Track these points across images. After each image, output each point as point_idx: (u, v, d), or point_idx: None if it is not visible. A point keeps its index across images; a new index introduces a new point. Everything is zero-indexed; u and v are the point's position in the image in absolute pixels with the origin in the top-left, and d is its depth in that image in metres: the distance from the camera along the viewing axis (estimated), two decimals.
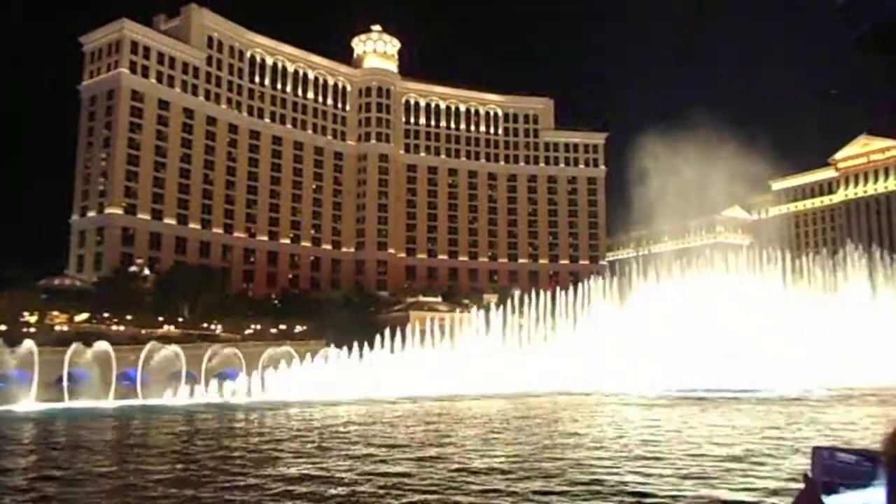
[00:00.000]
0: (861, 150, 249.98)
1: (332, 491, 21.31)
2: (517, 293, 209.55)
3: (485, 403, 67.08)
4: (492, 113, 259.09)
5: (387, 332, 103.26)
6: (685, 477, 22.85)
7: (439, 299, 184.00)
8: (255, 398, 74.77)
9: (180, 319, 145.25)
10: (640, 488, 21.16)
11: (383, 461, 27.42)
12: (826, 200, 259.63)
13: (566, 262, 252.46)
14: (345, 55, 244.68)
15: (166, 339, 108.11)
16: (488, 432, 39.03)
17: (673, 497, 19.88)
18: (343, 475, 24.12)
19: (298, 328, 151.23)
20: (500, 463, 26.57)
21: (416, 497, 20.32)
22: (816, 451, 7.03)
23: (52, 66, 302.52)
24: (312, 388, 76.95)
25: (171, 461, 28.81)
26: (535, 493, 20.77)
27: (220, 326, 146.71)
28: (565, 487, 21.55)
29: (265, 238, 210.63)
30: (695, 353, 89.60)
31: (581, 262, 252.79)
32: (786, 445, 30.68)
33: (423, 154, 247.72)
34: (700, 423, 42.09)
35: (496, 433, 38.66)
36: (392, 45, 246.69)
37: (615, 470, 24.60)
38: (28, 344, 69.10)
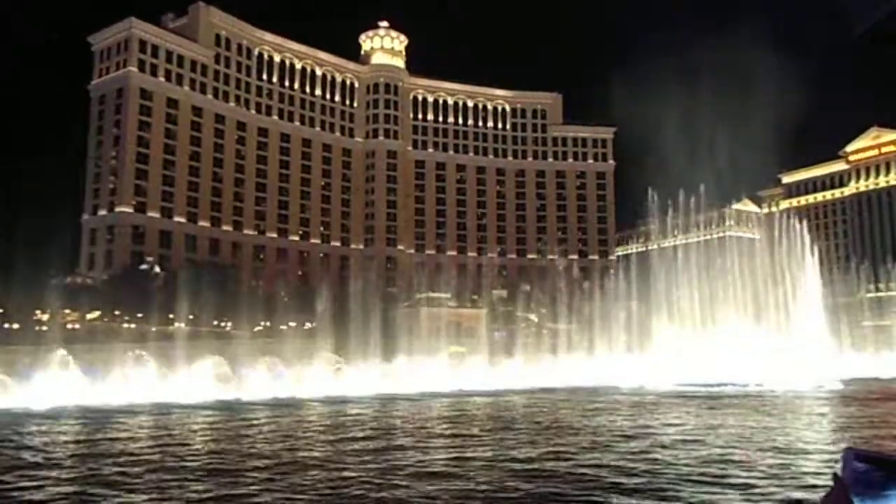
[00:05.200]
0: (872, 142, 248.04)
1: None
2: (527, 289, 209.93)
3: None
4: (499, 108, 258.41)
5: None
6: None
7: (448, 295, 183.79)
8: None
9: (191, 317, 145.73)
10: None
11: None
12: (837, 193, 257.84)
13: (575, 257, 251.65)
14: (352, 52, 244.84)
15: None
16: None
17: None
18: None
19: (308, 325, 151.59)
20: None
21: None
22: (847, 453, 6.90)
23: (63, 66, 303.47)
24: None
25: None
26: None
27: (230, 324, 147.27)
28: None
29: (274, 235, 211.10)
30: (701, 348, 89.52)
31: (590, 257, 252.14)
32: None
33: (431, 150, 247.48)
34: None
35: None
36: (399, 41, 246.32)
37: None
38: None
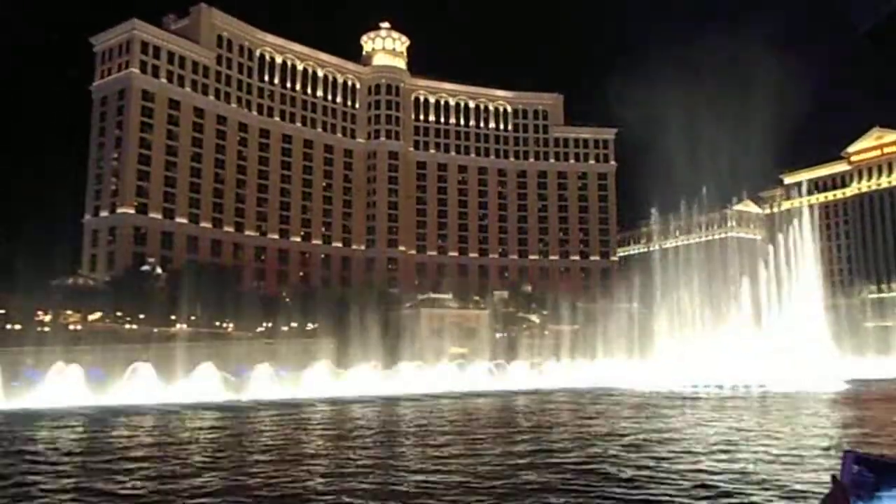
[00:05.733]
0: (874, 142, 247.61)
1: None
2: (528, 290, 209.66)
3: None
4: (501, 109, 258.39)
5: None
6: None
7: (450, 296, 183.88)
8: None
9: (192, 318, 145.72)
10: None
11: None
12: (839, 194, 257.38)
13: (577, 258, 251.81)
14: (354, 53, 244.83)
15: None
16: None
17: None
18: None
19: (310, 326, 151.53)
20: None
21: None
22: (846, 455, 6.94)
23: (64, 67, 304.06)
24: None
25: None
26: None
27: (231, 325, 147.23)
28: None
29: (276, 236, 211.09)
30: (702, 349, 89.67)
31: (592, 257, 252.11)
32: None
33: (432, 151, 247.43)
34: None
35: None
36: (401, 42, 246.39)
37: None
38: None
